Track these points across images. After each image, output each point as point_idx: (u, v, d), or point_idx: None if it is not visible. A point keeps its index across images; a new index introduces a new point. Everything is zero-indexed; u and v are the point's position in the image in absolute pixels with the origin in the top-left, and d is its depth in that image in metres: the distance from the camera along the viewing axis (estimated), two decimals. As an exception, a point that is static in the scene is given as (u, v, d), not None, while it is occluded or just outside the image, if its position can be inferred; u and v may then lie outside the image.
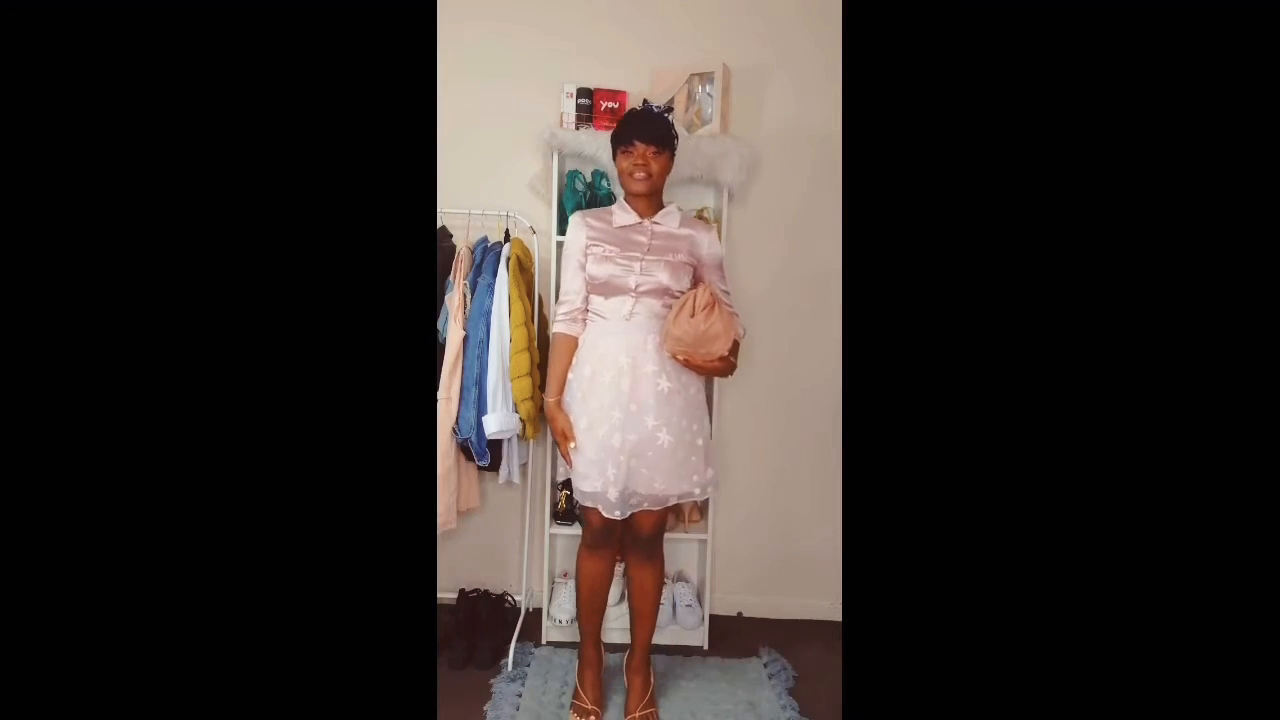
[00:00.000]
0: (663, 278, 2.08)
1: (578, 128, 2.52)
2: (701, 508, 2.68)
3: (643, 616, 2.27)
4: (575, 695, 2.27)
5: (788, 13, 2.73)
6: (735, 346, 2.10)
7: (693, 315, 2.01)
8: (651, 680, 2.31)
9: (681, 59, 2.61)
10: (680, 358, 2.05)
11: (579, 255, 2.12)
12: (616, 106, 2.52)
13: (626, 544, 2.23)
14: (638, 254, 2.09)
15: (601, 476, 2.06)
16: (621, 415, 2.04)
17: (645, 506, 2.10)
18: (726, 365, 2.10)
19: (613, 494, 2.05)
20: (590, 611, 2.27)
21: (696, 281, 2.15)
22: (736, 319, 2.11)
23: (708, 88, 2.56)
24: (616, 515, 2.08)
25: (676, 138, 2.15)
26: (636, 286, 2.07)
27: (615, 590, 2.71)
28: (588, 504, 2.11)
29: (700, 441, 2.12)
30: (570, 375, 2.14)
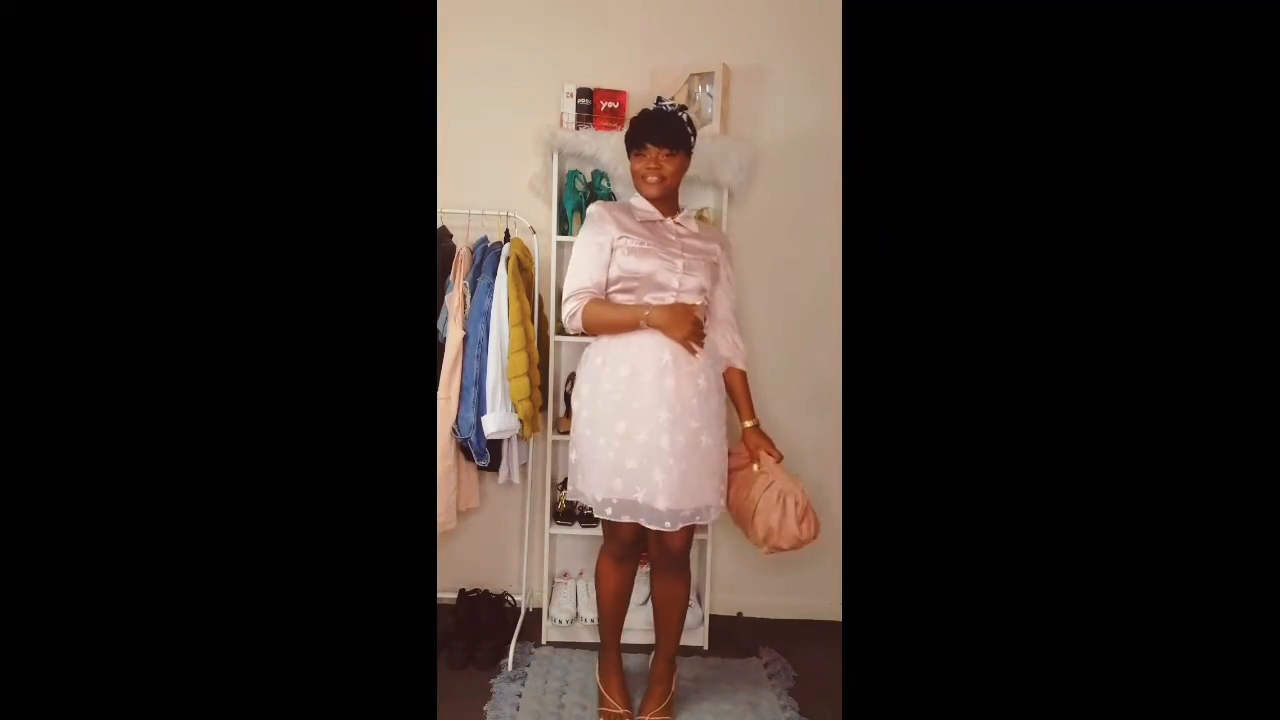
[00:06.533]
0: (703, 279, 2.02)
1: (578, 128, 2.52)
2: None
3: (671, 628, 2.17)
4: (602, 702, 2.20)
5: (788, 13, 2.73)
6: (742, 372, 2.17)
7: (798, 524, 2.01)
8: (673, 688, 2.23)
9: (681, 59, 2.61)
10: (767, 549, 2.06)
11: (608, 247, 1.97)
12: (616, 106, 2.52)
13: (653, 558, 2.11)
14: (678, 251, 2.01)
15: (647, 484, 1.90)
16: (669, 415, 1.91)
17: (697, 520, 1.97)
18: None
19: (661, 503, 1.89)
20: (614, 620, 2.22)
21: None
22: (739, 345, 2.15)
23: (708, 88, 2.56)
24: (666, 527, 1.92)
25: (694, 135, 2.02)
26: (680, 285, 1.99)
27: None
28: (625, 518, 1.94)
29: (722, 449, 2.06)
30: (604, 375, 1.99)
